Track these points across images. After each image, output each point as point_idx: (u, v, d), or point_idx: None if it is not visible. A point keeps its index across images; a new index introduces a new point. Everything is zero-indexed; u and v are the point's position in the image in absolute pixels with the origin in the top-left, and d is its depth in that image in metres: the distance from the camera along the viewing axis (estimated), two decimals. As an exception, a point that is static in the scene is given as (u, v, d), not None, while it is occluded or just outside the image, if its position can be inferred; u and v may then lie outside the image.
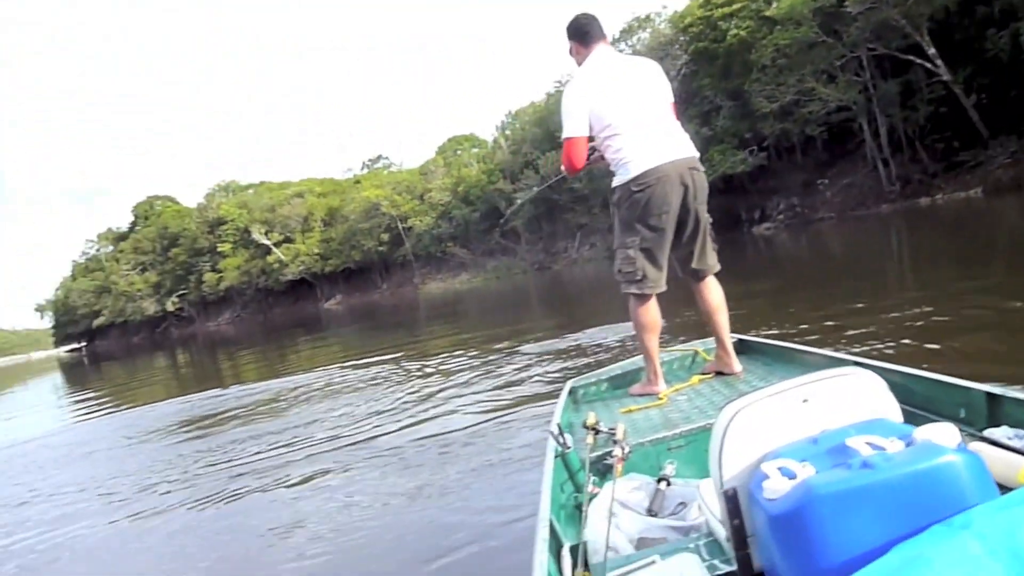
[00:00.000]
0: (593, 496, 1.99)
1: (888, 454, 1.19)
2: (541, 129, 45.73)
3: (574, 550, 1.64)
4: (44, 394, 20.57)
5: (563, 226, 45.74)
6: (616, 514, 1.86)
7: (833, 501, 1.15)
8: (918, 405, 1.91)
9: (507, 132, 53.20)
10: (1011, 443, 1.44)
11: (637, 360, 3.42)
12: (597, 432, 2.10)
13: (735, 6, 32.01)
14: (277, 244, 63.62)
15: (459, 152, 59.76)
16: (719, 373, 3.07)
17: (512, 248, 48.61)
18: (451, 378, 7.47)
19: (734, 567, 1.47)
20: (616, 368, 3.44)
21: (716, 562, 1.56)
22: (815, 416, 1.39)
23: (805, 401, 1.39)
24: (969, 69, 24.21)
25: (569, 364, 6.82)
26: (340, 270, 61.18)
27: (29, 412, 15.03)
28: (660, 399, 2.88)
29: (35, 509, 5.19)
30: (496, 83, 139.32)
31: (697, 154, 3.01)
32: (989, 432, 1.56)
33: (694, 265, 3.05)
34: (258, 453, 5.58)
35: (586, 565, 1.58)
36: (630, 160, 2.88)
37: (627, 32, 41.62)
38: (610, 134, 2.92)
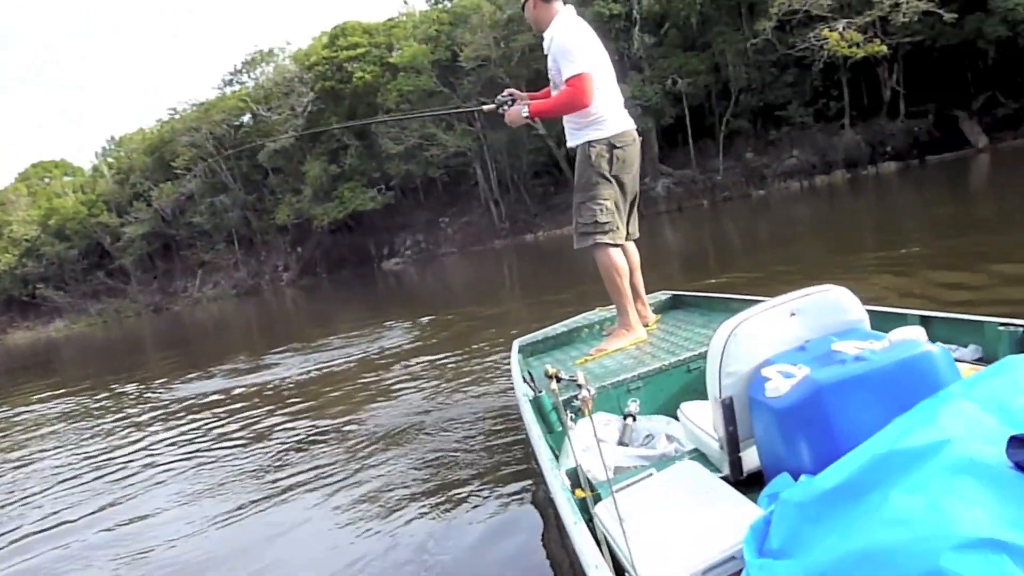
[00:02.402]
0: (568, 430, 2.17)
1: (876, 350, 1.40)
2: (153, 158, 41.66)
3: (571, 474, 1.76)
4: None
5: (181, 264, 42.20)
6: (591, 447, 1.98)
7: (838, 389, 1.33)
8: None
9: (110, 160, 47.41)
10: None
11: (579, 319, 3.74)
12: (559, 380, 2.19)
13: (360, 50, 33.05)
14: None
15: (48, 180, 51.40)
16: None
17: (121, 289, 43.35)
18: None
19: (722, 473, 1.65)
20: (560, 327, 3.70)
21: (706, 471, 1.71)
22: (799, 328, 1.57)
23: (793, 315, 1.57)
24: (560, 126, 28.48)
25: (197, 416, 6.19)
26: None
27: None
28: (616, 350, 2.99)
29: None
30: (90, 106, 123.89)
31: None
32: None
33: (629, 228, 3.21)
34: None
35: (590, 486, 1.70)
36: (607, 118, 2.99)
37: (249, 64, 40.29)
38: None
